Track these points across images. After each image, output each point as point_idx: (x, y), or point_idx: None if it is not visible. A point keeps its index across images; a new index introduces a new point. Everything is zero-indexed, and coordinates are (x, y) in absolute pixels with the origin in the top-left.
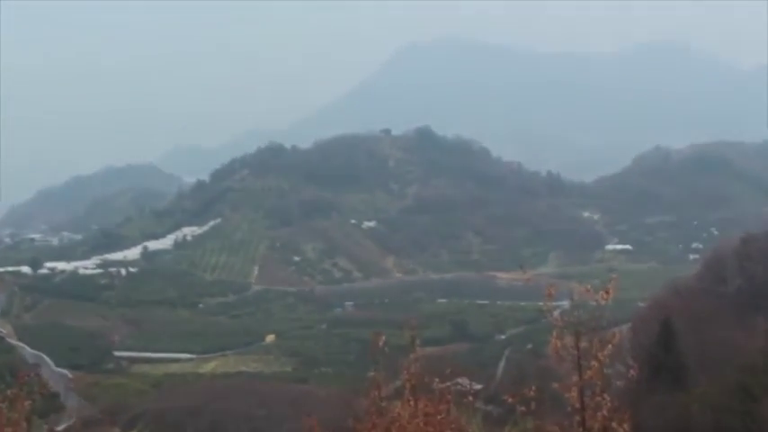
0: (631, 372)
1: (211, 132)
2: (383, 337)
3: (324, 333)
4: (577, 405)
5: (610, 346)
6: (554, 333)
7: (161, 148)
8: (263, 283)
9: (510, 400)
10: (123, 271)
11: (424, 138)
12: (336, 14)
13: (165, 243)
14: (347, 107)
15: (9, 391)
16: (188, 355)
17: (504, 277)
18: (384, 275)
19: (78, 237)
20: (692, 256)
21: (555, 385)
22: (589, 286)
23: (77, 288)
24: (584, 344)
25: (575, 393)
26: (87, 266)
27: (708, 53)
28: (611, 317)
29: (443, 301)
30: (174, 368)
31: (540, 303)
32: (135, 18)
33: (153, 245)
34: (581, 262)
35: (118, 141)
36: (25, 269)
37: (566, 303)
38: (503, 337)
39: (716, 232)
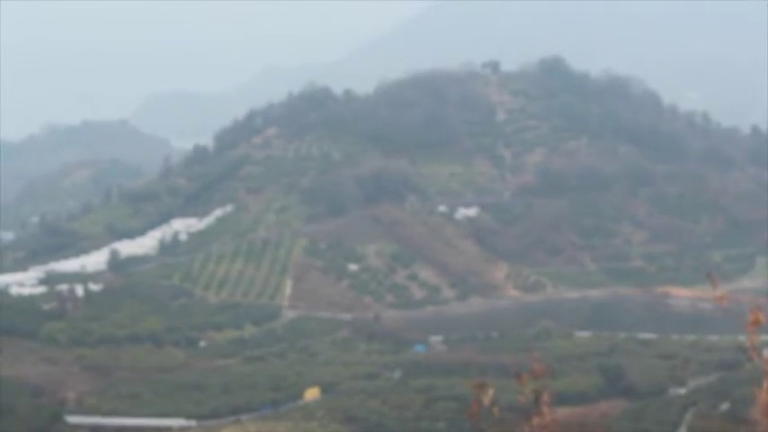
0: None
1: (213, 70)
2: (491, 392)
3: (397, 385)
4: None
5: None
6: (764, 384)
7: (136, 96)
8: (300, 307)
9: None
10: (80, 290)
11: (554, 75)
12: None
13: (145, 245)
14: (415, 31)
15: None
16: (183, 422)
17: (682, 295)
18: (491, 294)
19: (8, 235)
20: None
21: None
22: None
23: (8, 318)
24: None
25: None
26: (23, 283)
27: None
28: None
29: (586, 334)
30: None
31: (742, 337)
32: None
33: (126, 248)
34: None
35: (68, 86)
36: None
37: None
38: (682, 391)
39: None
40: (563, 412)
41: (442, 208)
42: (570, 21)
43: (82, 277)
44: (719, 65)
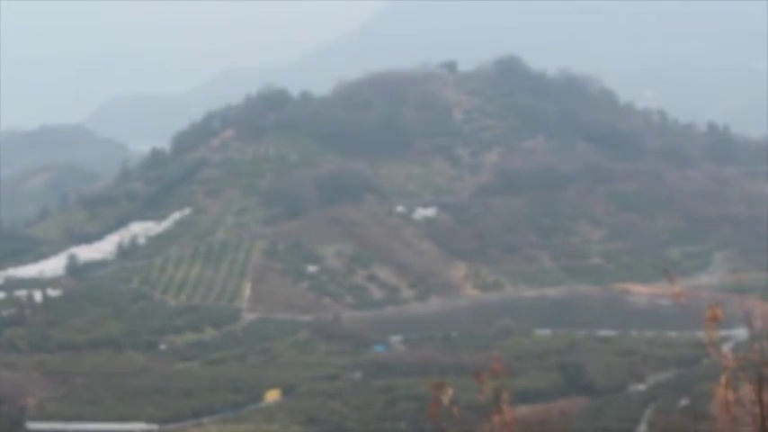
0: None
1: (169, 73)
2: (450, 392)
3: (357, 386)
4: None
5: None
6: (722, 380)
7: (93, 100)
8: (259, 310)
9: None
10: (38, 295)
11: (510, 74)
12: None
13: (104, 249)
14: (372, 32)
15: None
16: (144, 426)
17: (641, 292)
18: (450, 293)
19: None
20: None
21: None
22: None
23: None
24: None
25: None
26: None
27: None
28: None
29: (545, 332)
30: None
31: (700, 333)
32: None
33: (84, 253)
34: (764, 266)
35: (23, 88)
36: None
37: (741, 332)
38: (641, 387)
39: None
40: (523, 410)
41: (400, 208)
42: (526, 21)
43: (40, 283)
44: (674, 65)
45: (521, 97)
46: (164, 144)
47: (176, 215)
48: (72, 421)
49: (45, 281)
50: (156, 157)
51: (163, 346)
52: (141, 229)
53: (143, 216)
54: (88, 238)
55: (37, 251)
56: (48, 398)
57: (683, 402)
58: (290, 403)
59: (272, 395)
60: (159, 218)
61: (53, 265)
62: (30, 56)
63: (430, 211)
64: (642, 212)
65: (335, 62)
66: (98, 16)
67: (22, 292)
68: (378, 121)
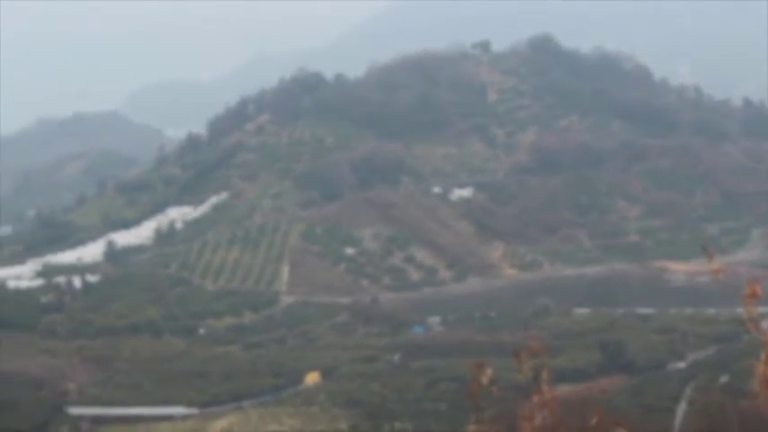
0: None
1: (202, 57)
2: (490, 371)
3: (397, 368)
4: None
5: None
6: (762, 356)
7: (126, 87)
8: (297, 293)
9: None
10: (78, 281)
11: (544, 53)
12: None
13: (141, 235)
14: (402, 15)
15: None
16: (184, 410)
17: (679, 269)
18: (488, 273)
19: (5, 229)
20: None
21: None
22: None
23: (6, 311)
24: None
25: None
26: (21, 276)
27: None
28: None
29: (584, 311)
30: (163, 430)
31: (739, 310)
32: None
33: (122, 238)
34: None
35: (59, 79)
36: None
37: None
38: (681, 365)
39: None
40: (563, 389)
41: (436, 189)
42: (555, 6)
43: (79, 269)
44: (708, 40)
45: (555, 76)
46: (199, 129)
47: (213, 200)
48: (112, 406)
49: (84, 267)
50: (191, 143)
51: (202, 331)
52: (178, 214)
53: (180, 201)
54: (126, 224)
55: (75, 237)
56: (88, 383)
57: (723, 379)
58: (329, 386)
59: (312, 378)
60: (196, 203)
61: (91, 252)
62: (62, 44)
63: (466, 192)
64: (678, 189)
65: (367, 46)
66: (131, 2)
67: (61, 279)
68: (412, 103)
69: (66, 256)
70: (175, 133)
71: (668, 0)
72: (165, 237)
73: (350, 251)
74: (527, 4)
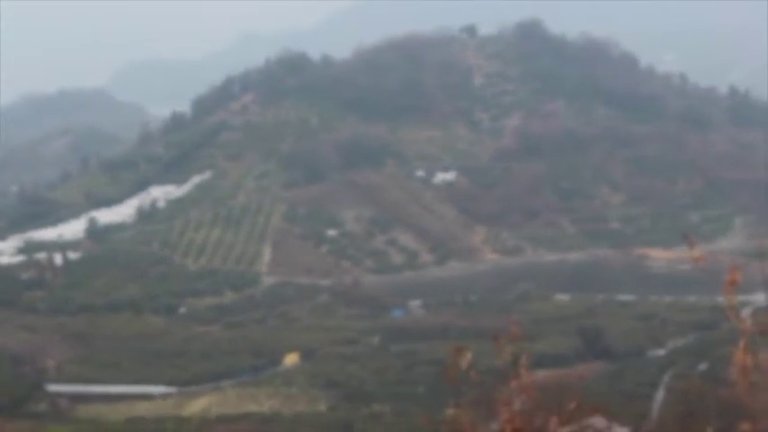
0: None
1: (188, 36)
2: (469, 355)
3: (376, 350)
4: None
5: None
6: (741, 344)
7: (111, 64)
8: (278, 274)
9: None
10: (59, 258)
11: (531, 38)
12: None
13: (124, 213)
14: None
15: None
16: (163, 389)
17: (660, 257)
18: (470, 258)
19: None
20: None
21: (744, 428)
22: None
23: None
24: None
25: None
26: (2, 252)
27: None
28: None
29: (564, 296)
30: (141, 409)
31: (719, 298)
32: None
33: (104, 216)
34: None
35: (40, 55)
36: None
37: (761, 297)
38: (660, 352)
39: None
40: (541, 374)
41: (420, 173)
42: None
43: (61, 245)
44: (694, 29)
45: (541, 61)
46: (184, 108)
47: (196, 179)
48: (91, 383)
49: (65, 244)
50: (176, 121)
51: (182, 310)
52: (161, 193)
53: (163, 180)
54: (108, 202)
55: (57, 214)
56: (67, 360)
57: (702, 367)
58: (308, 367)
59: (291, 359)
60: (179, 181)
61: (73, 229)
62: (46, 20)
63: (450, 176)
64: (662, 176)
65: (354, 27)
66: None
67: (42, 255)
68: (398, 86)
69: (48, 233)
70: (160, 111)
71: None
72: (147, 215)
73: (332, 233)
74: None
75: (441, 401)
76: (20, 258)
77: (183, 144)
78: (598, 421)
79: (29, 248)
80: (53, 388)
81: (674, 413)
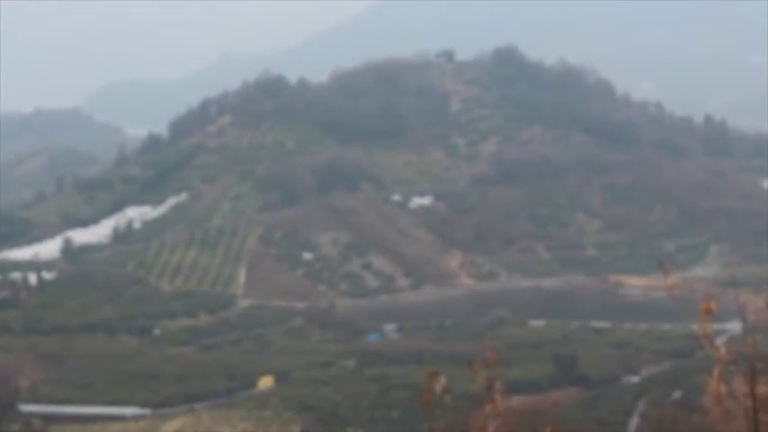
0: None
1: (166, 57)
2: (443, 380)
3: (351, 374)
4: None
5: None
6: (715, 372)
7: (89, 84)
8: (254, 296)
9: None
10: (34, 278)
11: (508, 64)
12: None
13: (99, 233)
14: (368, 21)
15: None
16: (137, 410)
17: (635, 284)
18: (445, 282)
19: None
20: None
21: None
22: None
23: None
24: (764, 389)
25: None
26: None
27: None
28: None
29: (539, 322)
30: (114, 430)
31: (694, 326)
32: None
33: (80, 236)
34: (758, 260)
35: (17, 72)
36: None
37: (735, 325)
38: (635, 379)
39: None
40: (516, 401)
41: (396, 197)
42: (523, 11)
43: (35, 265)
44: (669, 59)
45: (518, 87)
46: (161, 129)
47: (172, 200)
48: (64, 404)
49: (40, 264)
50: (152, 142)
51: (157, 331)
52: (137, 214)
53: (139, 201)
54: (84, 222)
55: (32, 234)
56: (41, 380)
57: (676, 395)
58: (283, 390)
59: (266, 382)
60: (155, 203)
61: (48, 248)
62: (25, 40)
63: (426, 200)
64: (638, 204)
65: (331, 51)
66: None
67: (16, 275)
68: (375, 110)
69: (23, 253)
70: (137, 132)
71: (627, 22)
72: (122, 236)
73: (307, 256)
74: (497, 5)
75: (415, 426)
76: None
77: (159, 165)
78: None
79: (3, 268)
80: (26, 408)
81: None
